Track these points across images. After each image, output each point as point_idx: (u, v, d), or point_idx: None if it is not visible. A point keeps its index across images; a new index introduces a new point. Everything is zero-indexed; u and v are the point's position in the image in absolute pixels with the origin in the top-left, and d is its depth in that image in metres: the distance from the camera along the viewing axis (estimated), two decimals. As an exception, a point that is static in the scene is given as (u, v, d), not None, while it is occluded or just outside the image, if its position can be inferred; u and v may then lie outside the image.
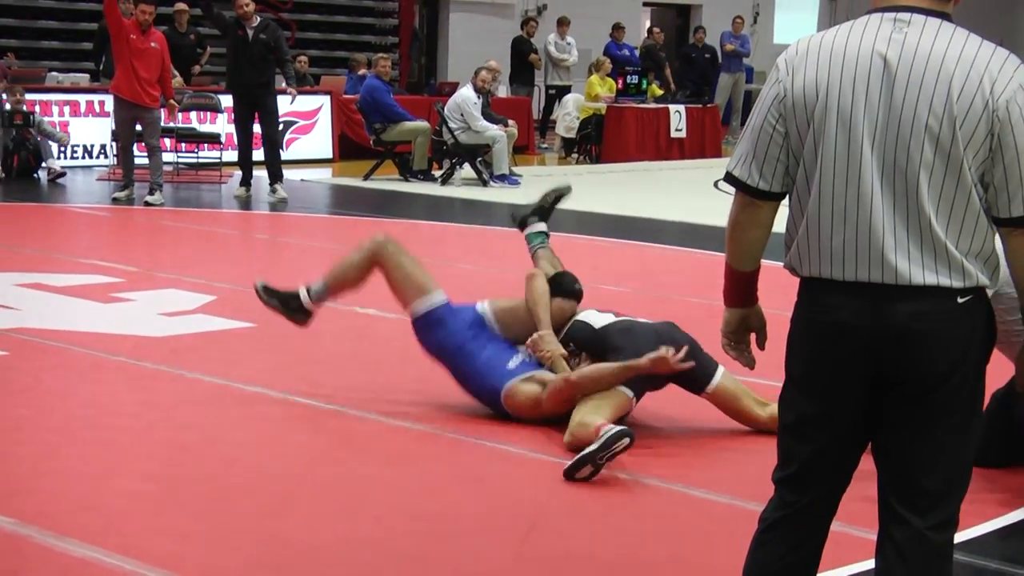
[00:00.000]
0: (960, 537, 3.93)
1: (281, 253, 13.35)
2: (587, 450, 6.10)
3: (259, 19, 16.82)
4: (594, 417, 6.42)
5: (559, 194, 7.95)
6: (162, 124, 16.76)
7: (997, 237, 3.58)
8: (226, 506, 5.67)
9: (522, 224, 7.86)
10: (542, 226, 7.82)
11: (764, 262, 3.83)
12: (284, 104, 17.95)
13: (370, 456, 6.43)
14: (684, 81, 27.84)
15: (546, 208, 7.89)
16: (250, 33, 16.63)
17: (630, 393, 6.70)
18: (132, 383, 7.60)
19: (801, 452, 3.71)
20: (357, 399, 7.30)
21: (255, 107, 16.84)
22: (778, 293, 4.66)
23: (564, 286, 7.24)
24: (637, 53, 27.62)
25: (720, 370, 6.85)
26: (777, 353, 3.80)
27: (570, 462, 6.12)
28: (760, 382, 6.61)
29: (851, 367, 3.58)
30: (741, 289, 3.88)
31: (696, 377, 6.85)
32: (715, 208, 13.23)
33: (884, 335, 3.51)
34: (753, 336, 3.96)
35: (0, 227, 13.86)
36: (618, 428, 6.18)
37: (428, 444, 6.61)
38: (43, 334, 8.62)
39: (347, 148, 21.83)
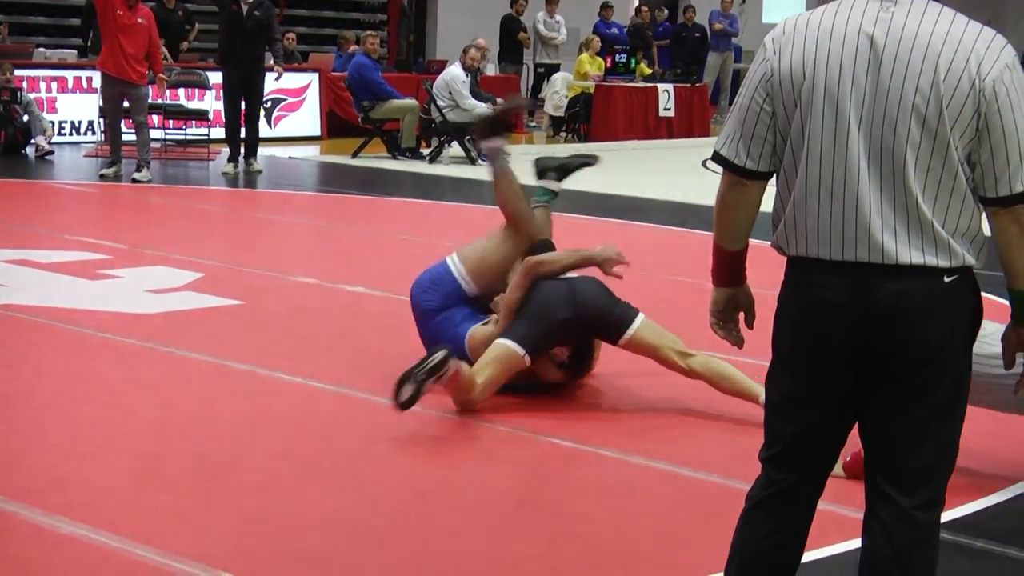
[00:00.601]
0: (946, 516, 3.93)
1: (268, 230, 13.33)
2: (406, 370, 6.22)
3: None
4: (477, 377, 6.61)
5: (586, 161, 8.01)
6: (150, 100, 16.74)
7: (984, 216, 3.58)
8: (214, 483, 5.67)
9: (541, 174, 7.91)
10: (554, 184, 7.89)
11: (753, 241, 3.84)
12: (275, 81, 17.94)
13: (358, 433, 6.43)
14: (675, 60, 27.83)
15: (569, 168, 7.93)
16: (244, 9, 16.67)
17: (522, 352, 6.76)
18: (119, 360, 7.59)
19: (787, 431, 3.72)
20: (345, 376, 7.30)
21: (245, 83, 16.87)
22: (767, 272, 4.66)
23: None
24: (626, 32, 27.61)
25: (638, 320, 6.95)
26: (765, 332, 3.80)
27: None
28: (747, 361, 6.62)
29: (837, 346, 3.58)
30: (729, 268, 3.88)
31: (612, 327, 6.95)
32: (703, 187, 13.25)
33: (870, 314, 3.52)
34: (742, 315, 3.97)
35: (-13, 203, 13.85)
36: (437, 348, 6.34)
37: (416, 422, 6.61)
38: (29, 310, 8.61)
39: (335, 126, 21.80)
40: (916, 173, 3.47)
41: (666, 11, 30.31)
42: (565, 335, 6.92)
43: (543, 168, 7.92)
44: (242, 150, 17.20)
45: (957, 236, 3.51)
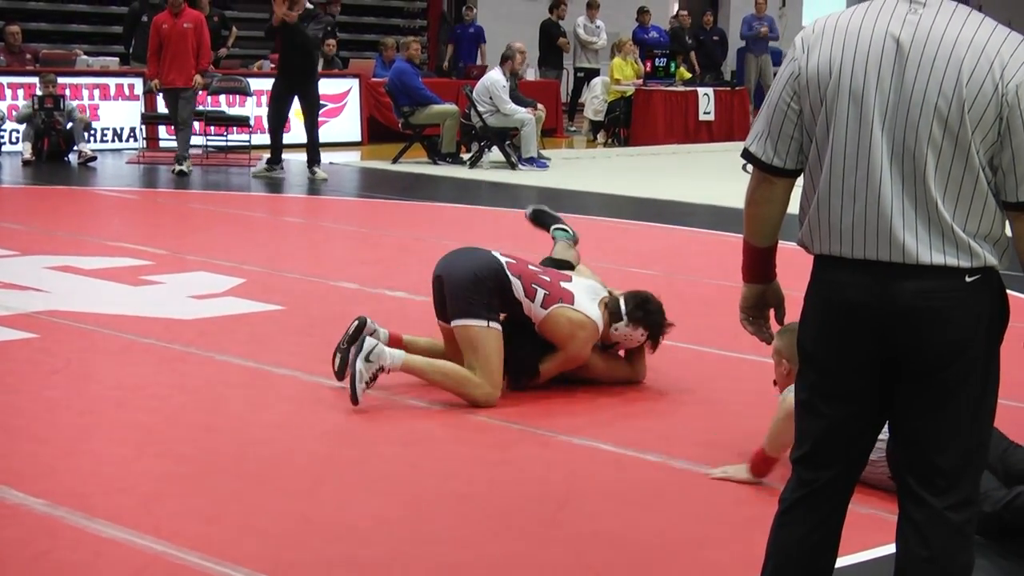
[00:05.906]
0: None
1: (309, 235, 13.40)
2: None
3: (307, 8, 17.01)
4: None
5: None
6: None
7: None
8: (256, 488, 5.71)
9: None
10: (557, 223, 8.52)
11: (783, 243, 3.86)
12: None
13: (398, 437, 6.46)
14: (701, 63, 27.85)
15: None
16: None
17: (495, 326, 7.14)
18: (162, 365, 7.65)
19: (815, 430, 3.73)
20: (385, 381, 7.31)
21: (295, 91, 17.02)
22: (798, 274, 4.68)
23: None
24: (667, 35, 27.58)
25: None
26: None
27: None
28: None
29: (860, 344, 3.60)
30: (758, 265, 3.93)
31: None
32: (743, 191, 13.21)
33: (891, 313, 3.53)
34: (772, 313, 4.01)
35: (30, 210, 13.97)
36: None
37: (453, 426, 6.65)
38: (73, 316, 8.68)
39: (376, 131, 21.89)
40: (937, 175, 3.49)
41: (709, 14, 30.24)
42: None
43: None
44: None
45: (979, 239, 3.52)
